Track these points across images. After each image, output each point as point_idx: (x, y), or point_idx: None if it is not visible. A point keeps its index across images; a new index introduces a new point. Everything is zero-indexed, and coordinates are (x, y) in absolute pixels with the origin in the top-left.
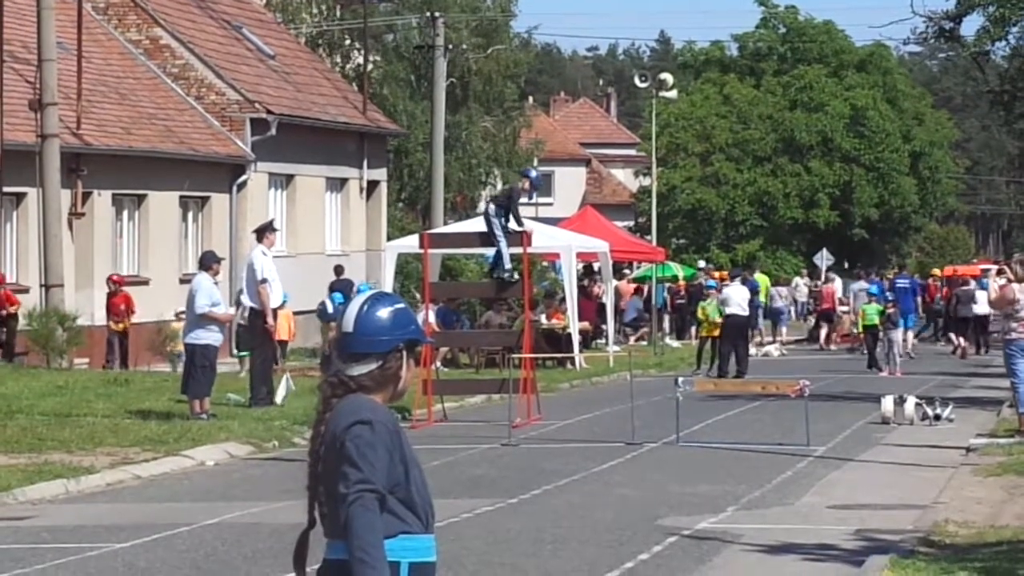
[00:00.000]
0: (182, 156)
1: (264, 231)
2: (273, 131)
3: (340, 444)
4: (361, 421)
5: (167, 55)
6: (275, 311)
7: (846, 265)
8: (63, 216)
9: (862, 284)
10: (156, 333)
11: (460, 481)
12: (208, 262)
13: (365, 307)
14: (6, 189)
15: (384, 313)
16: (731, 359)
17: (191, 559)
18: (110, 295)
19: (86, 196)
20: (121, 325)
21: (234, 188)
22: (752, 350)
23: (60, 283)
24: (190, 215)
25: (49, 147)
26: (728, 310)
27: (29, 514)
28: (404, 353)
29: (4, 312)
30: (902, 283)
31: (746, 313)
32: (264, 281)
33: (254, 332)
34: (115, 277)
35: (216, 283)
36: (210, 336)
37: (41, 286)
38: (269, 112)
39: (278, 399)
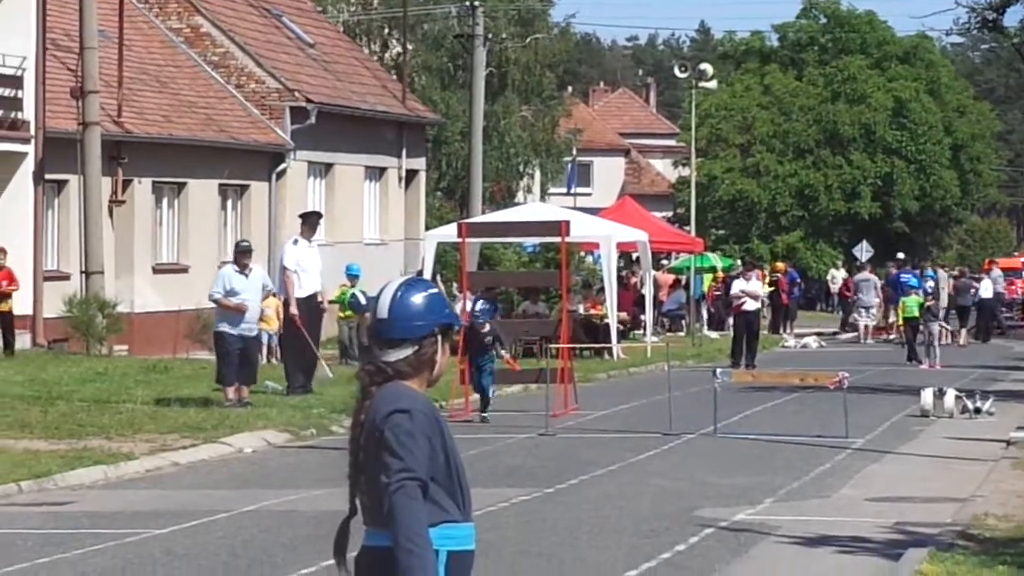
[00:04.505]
0: (222, 144)
1: (306, 219)
2: (312, 119)
3: (379, 433)
4: (400, 410)
5: (207, 43)
6: (302, 300)
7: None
8: (104, 204)
9: (865, 275)
10: (195, 320)
11: (497, 470)
12: (236, 252)
13: (399, 293)
14: (48, 176)
15: (418, 298)
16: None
17: (229, 545)
18: None
19: (126, 184)
20: (5, 306)
21: (273, 176)
22: (791, 341)
23: (100, 270)
24: (229, 203)
25: (90, 135)
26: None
27: (69, 499)
28: (439, 338)
29: None
30: (906, 277)
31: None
32: (285, 269)
33: (285, 321)
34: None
35: (245, 274)
36: (222, 324)
37: (81, 273)
38: (308, 100)
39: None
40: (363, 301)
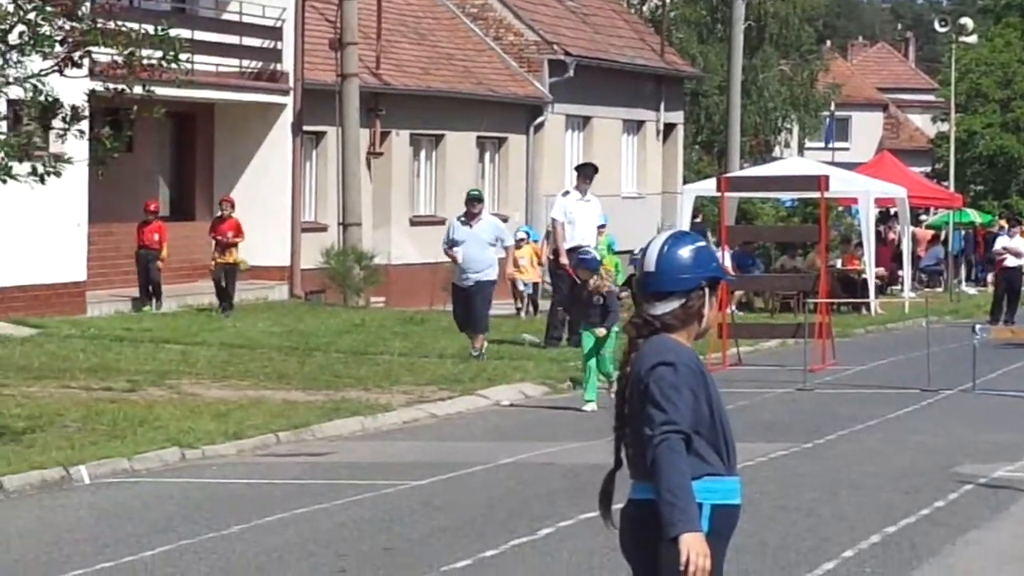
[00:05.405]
0: (480, 97)
1: (580, 170)
2: (571, 73)
3: (644, 386)
4: (664, 362)
5: None
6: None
7: None
8: (361, 155)
9: None
10: (451, 272)
11: (754, 425)
12: (465, 200)
13: (667, 246)
14: (306, 128)
15: (686, 252)
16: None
17: (486, 497)
18: (217, 220)
19: (384, 136)
20: (231, 256)
21: (531, 129)
22: None
23: (358, 222)
24: (487, 156)
25: (349, 86)
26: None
27: (326, 450)
28: (706, 291)
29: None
30: None
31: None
32: (554, 220)
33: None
34: (226, 198)
35: (470, 224)
36: (454, 276)
37: (339, 224)
38: (567, 54)
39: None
40: (598, 257)
